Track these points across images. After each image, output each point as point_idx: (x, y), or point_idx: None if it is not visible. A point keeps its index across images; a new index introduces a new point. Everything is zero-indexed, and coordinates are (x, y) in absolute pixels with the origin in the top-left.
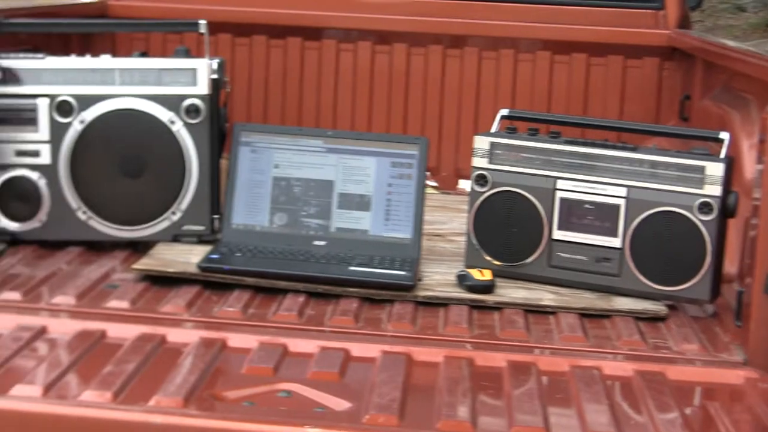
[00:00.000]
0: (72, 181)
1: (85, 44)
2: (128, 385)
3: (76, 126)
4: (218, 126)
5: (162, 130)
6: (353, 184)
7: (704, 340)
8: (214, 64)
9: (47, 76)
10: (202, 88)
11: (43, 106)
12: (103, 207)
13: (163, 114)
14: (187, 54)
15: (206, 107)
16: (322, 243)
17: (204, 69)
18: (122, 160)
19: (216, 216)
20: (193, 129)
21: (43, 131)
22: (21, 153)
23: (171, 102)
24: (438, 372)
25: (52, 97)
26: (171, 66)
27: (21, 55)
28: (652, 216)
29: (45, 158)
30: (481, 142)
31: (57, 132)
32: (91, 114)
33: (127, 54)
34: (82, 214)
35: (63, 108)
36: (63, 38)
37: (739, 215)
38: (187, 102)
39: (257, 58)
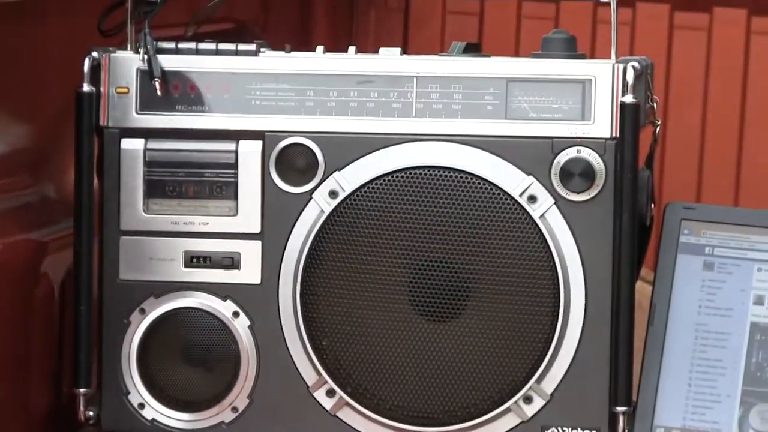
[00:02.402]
0: (305, 323)
1: (339, 26)
2: None
3: (320, 202)
4: (633, 209)
5: (507, 213)
6: None
7: None
8: (630, 70)
9: (261, 93)
10: (602, 125)
11: (249, 157)
12: (367, 377)
13: (508, 181)
14: (572, 47)
15: (608, 167)
16: None
17: (606, 81)
18: (417, 280)
19: (622, 409)
20: (576, 213)
21: (249, 211)
22: (196, 261)
23: (528, 155)
24: None
25: (269, 138)
26: (532, 73)
27: (205, 44)
28: None
29: (250, 273)
30: None
31: (280, 215)
32: (353, 179)
33: (436, 48)
34: (327, 396)
35: (293, 163)
36: (299, 13)
37: None
38: (568, 156)
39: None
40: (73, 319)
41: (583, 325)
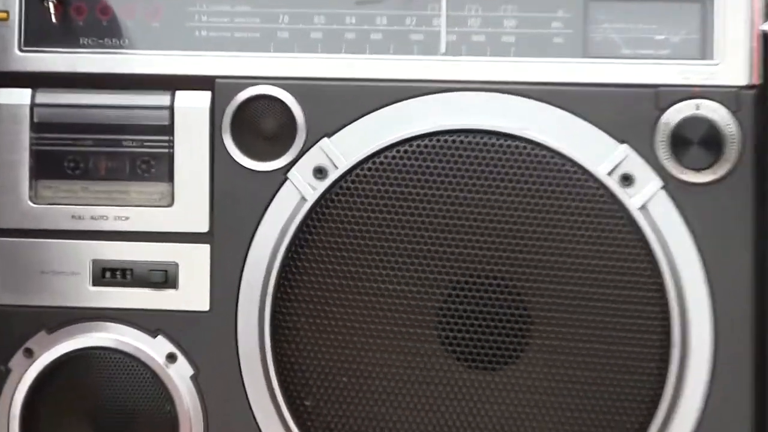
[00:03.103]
0: (277, 372)
1: None
2: None
3: (299, 185)
4: None
5: (588, 203)
6: None
7: None
8: None
9: (208, 19)
10: (733, 66)
11: (191, 117)
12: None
13: (590, 152)
14: None
15: (744, 131)
16: None
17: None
18: (450, 307)
19: None
20: (696, 202)
21: (192, 199)
22: (111, 276)
23: (621, 112)
24: None
25: (221, 87)
26: None
27: None
28: None
29: (192, 295)
30: None
31: (240, 206)
32: (350, 150)
33: None
34: None
35: (258, 125)
36: None
37: None
38: (681, 114)
39: None
40: None
41: (712, 369)
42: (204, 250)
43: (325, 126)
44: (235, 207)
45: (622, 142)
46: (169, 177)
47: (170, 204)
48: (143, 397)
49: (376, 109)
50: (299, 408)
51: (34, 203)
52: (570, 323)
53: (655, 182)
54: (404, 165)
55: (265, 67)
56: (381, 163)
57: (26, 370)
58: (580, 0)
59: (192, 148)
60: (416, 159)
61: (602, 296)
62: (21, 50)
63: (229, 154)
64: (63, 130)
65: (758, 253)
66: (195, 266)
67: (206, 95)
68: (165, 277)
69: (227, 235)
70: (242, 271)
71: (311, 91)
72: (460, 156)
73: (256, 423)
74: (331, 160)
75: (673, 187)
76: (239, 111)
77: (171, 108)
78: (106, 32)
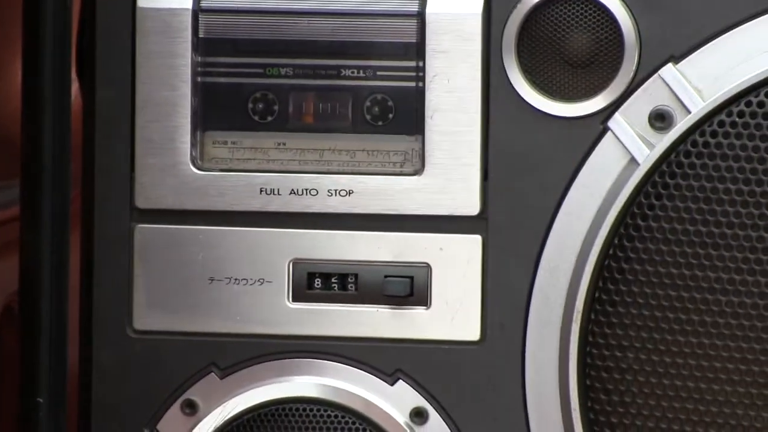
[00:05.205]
0: None
1: None
2: None
3: (626, 140)
4: None
5: None
6: None
7: None
8: None
9: None
10: None
11: (453, 29)
12: None
13: None
14: None
15: None
16: None
17: None
18: None
19: None
20: None
21: (452, 163)
22: (323, 284)
23: None
24: None
25: None
26: None
27: None
28: None
29: (452, 314)
30: None
31: (531, 173)
32: (715, 80)
33: None
34: None
35: (562, 43)
36: None
37: None
38: None
39: None
40: (18, 425)
41: None
42: (472, 243)
43: (670, 45)
44: (524, 175)
45: None
46: (417, 127)
47: (418, 171)
48: None
49: (747, 20)
50: None
51: (200, 169)
52: None
53: None
54: None
55: None
56: (761, 104)
57: None
58: None
59: (453, 79)
60: None
61: None
62: None
63: (513, 88)
64: (245, 51)
65: None
66: (457, 269)
67: None
68: (410, 288)
69: (510, 218)
70: (534, 277)
71: None
72: None
73: None
74: (678, 99)
75: None
76: (530, 20)
77: (420, 15)
78: None
